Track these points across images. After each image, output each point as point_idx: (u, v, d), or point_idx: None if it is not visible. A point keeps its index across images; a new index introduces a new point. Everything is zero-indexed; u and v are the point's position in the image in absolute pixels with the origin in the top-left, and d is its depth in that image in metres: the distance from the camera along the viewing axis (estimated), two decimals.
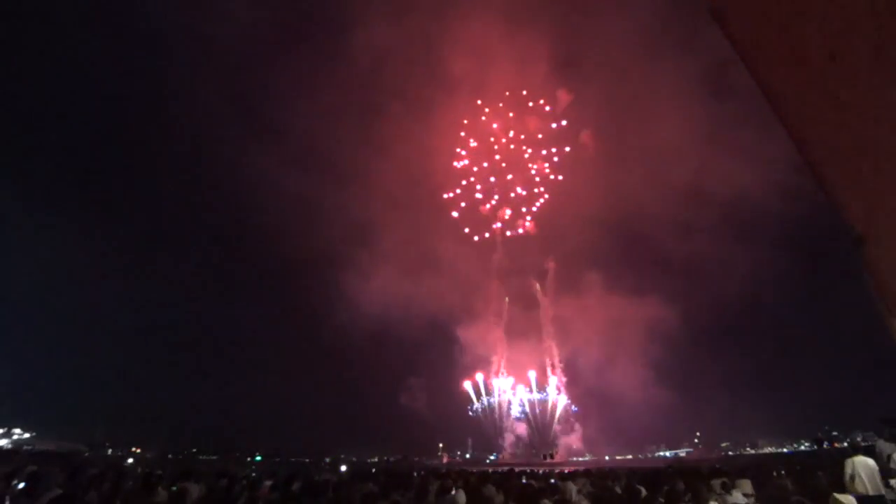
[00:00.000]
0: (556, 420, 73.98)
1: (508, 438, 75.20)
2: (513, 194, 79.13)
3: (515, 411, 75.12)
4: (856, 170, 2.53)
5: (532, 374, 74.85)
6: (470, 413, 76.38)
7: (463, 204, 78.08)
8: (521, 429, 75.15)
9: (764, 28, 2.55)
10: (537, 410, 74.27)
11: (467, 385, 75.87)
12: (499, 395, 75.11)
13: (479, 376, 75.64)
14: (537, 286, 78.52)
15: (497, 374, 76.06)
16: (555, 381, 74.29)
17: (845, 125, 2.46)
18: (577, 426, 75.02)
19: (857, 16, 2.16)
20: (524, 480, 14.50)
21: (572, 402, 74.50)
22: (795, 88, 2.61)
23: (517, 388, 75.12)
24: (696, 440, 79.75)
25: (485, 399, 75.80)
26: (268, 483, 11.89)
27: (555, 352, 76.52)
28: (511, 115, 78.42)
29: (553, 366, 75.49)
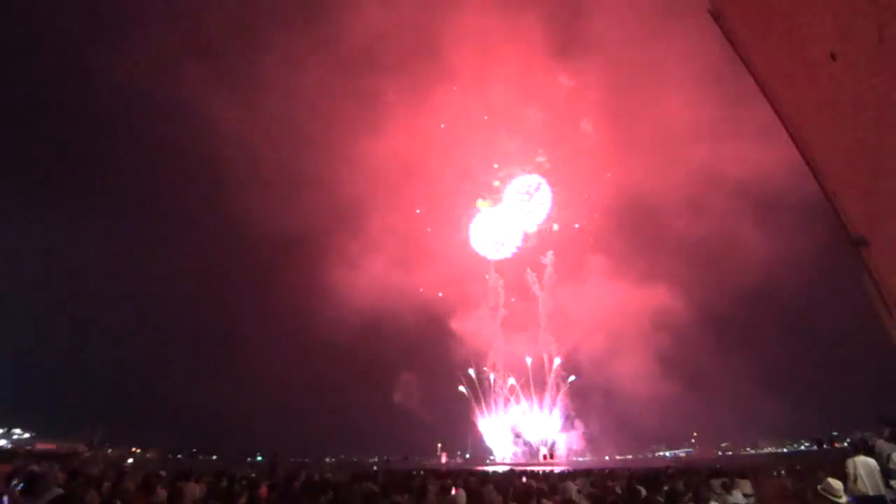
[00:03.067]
0: (554, 416, 73.79)
1: (507, 437, 75.13)
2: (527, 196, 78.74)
3: (513, 409, 75.02)
4: (856, 170, 2.54)
5: (531, 373, 74.71)
6: (475, 428, 76.13)
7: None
8: (520, 427, 75.04)
9: (764, 29, 2.55)
10: (536, 408, 74.15)
11: (470, 404, 75.67)
12: (496, 394, 75.04)
13: (471, 370, 75.35)
14: (534, 280, 78.11)
15: (494, 369, 75.91)
16: (553, 377, 74.14)
17: (845, 125, 2.46)
18: (577, 423, 74.71)
19: (857, 16, 2.16)
20: (524, 480, 14.51)
21: (570, 402, 74.16)
22: (795, 88, 2.61)
23: (514, 387, 75.02)
24: (692, 440, 79.61)
25: (484, 411, 75.70)
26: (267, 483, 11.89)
27: (553, 347, 76.16)
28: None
29: (552, 361, 75.18)
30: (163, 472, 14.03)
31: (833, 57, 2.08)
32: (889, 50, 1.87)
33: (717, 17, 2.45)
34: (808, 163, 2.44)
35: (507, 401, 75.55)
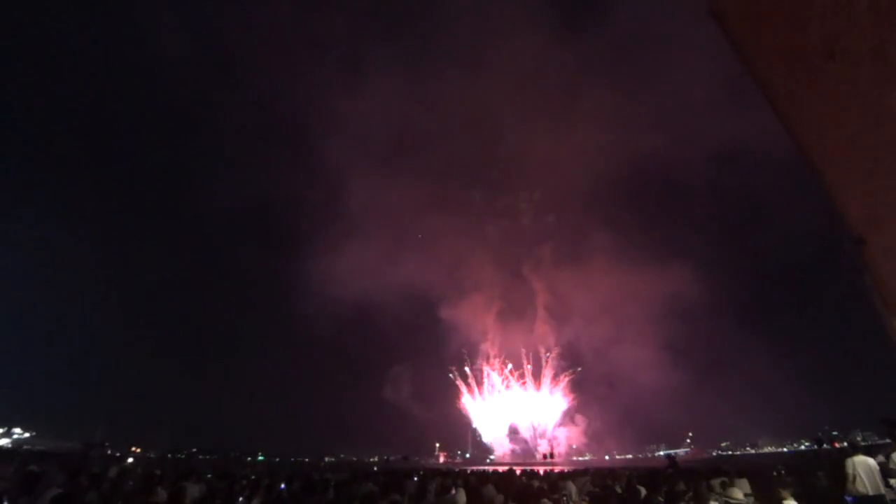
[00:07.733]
0: (552, 413, 73.17)
1: (506, 436, 74.82)
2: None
3: (512, 408, 74.54)
4: (856, 170, 2.54)
5: (528, 369, 74.09)
6: (473, 426, 75.64)
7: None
8: (519, 426, 74.64)
9: (763, 28, 2.56)
10: (534, 405, 73.53)
11: (466, 401, 74.89)
12: (492, 389, 74.53)
13: (475, 401, 74.57)
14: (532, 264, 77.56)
15: (489, 364, 75.34)
16: (551, 371, 73.42)
17: (845, 125, 2.47)
18: (577, 419, 74.04)
19: (857, 16, 2.16)
20: (524, 480, 14.49)
21: (571, 394, 73.46)
22: (795, 88, 2.61)
23: (512, 384, 74.42)
24: (688, 440, 79.50)
25: (479, 402, 75.10)
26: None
27: (551, 341, 75.43)
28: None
29: (549, 355, 74.46)
30: (158, 472, 14.01)
31: (833, 56, 2.08)
32: (889, 50, 1.87)
33: (717, 17, 2.45)
34: (808, 162, 2.44)
35: (504, 397, 75.04)
